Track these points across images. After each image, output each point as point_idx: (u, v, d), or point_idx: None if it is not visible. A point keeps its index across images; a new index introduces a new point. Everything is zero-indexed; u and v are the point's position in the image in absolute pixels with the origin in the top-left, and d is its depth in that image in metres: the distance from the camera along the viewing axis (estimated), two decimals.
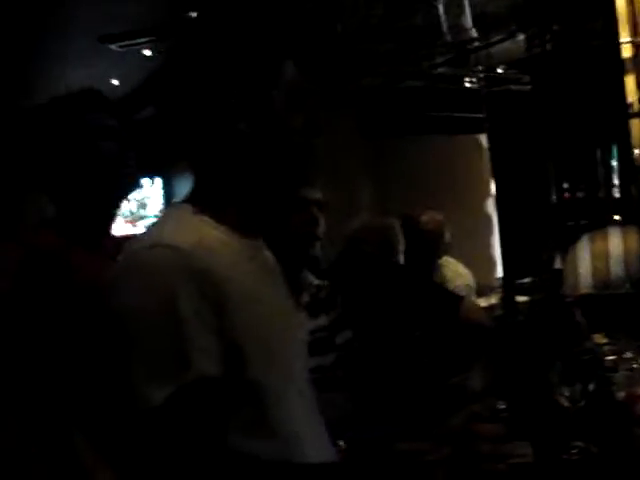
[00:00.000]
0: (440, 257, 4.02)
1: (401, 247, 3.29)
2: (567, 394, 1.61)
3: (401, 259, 3.30)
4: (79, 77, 6.42)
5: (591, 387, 1.65)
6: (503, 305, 2.31)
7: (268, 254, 1.50)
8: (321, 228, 2.33)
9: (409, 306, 2.79)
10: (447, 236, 3.97)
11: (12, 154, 2.08)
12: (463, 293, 3.86)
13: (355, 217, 3.53)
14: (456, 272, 4.13)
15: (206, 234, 1.33)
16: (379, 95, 5.32)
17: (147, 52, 6.26)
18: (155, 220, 1.41)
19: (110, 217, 1.99)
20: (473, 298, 3.93)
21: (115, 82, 6.90)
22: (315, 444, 1.41)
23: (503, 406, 1.78)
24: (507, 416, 1.76)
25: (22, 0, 4.90)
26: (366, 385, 2.35)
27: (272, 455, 1.30)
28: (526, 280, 3.01)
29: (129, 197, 2.08)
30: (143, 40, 5.97)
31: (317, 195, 2.32)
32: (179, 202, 1.41)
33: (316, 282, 2.40)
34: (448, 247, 4.03)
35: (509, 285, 2.29)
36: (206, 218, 1.36)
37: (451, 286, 3.88)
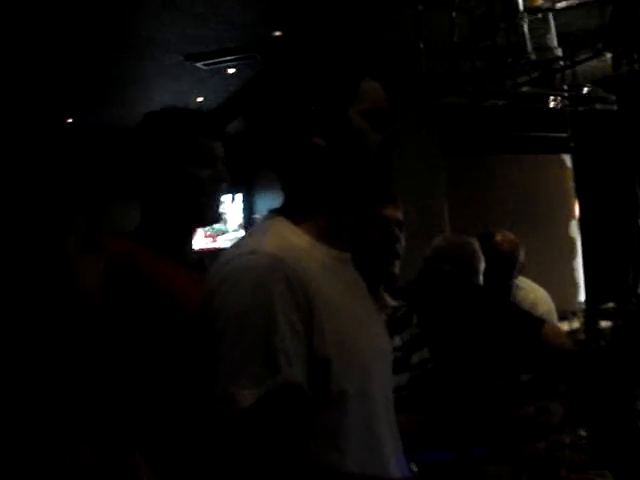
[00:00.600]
0: (515, 277, 3.94)
1: (481, 267, 3.24)
2: None
3: (481, 280, 3.25)
4: (166, 94, 6.59)
5: None
6: (586, 330, 2.25)
7: (354, 268, 1.51)
8: (401, 247, 2.32)
9: (489, 328, 2.75)
10: (522, 256, 3.90)
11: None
12: (544, 316, 3.78)
13: (435, 237, 3.49)
14: (534, 294, 4.04)
15: (301, 246, 1.37)
16: (462, 114, 5.27)
17: (231, 70, 6.38)
18: (251, 230, 1.45)
19: (190, 235, 2.02)
20: (555, 322, 3.85)
21: (200, 99, 7.05)
22: (393, 461, 1.40)
23: (585, 434, 1.73)
24: (589, 444, 1.70)
25: (114, 22, 5.05)
26: (440, 407, 2.32)
27: (349, 468, 1.30)
28: (610, 305, 2.92)
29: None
30: (227, 59, 6.08)
31: (398, 214, 2.32)
32: (274, 214, 1.43)
33: (393, 303, 2.39)
34: (523, 267, 3.95)
35: (593, 309, 2.22)
36: (298, 230, 1.39)
37: (529, 307, 3.81)
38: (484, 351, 2.74)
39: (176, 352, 1.68)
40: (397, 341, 2.30)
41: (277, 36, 5.30)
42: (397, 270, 2.32)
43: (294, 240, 1.38)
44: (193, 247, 2.07)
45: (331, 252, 1.42)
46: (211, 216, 2.01)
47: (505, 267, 3.71)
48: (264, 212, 1.51)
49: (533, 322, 2.82)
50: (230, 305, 1.27)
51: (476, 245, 3.26)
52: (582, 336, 2.73)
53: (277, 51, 4.95)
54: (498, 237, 3.78)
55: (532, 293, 3.99)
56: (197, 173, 1.93)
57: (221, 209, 2.08)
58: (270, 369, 1.22)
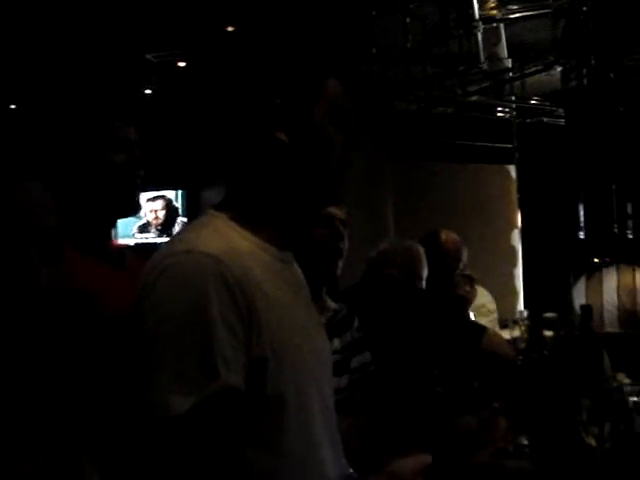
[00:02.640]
0: (457, 274, 3.98)
1: (425, 272, 3.25)
2: (595, 433, 1.56)
3: (424, 285, 3.26)
4: (113, 84, 6.47)
5: (621, 427, 1.60)
6: (529, 339, 2.26)
7: (297, 268, 1.48)
8: (344, 246, 2.30)
9: (431, 334, 2.75)
10: (465, 255, 3.94)
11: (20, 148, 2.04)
12: (487, 316, 3.83)
13: (379, 241, 3.49)
14: (478, 296, 4.08)
15: (240, 244, 1.32)
16: (410, 119, 5.30)
17: (181, 63, 6.30)
18: (189, 226, 1.38)
19: (108, 227, 1.94)
20: (496, 326, 3.89)
21: (148, 91, 6.95)
22: (332, 465, 1.38)
23: (526, 442, 1.74)
24: (531, 453, 1.71)
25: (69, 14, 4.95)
26: (380, 410, 2.31)
27: (286, 472, 1.27)
28: (551, 314, 2.95)
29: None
30: (178, 52, 6.02)
31: (342, 212, 2.30)
32: (213, 210, 1.38)
33: (334, 306, 2.37)
34: (465, 266, 4.00)
35: (536, 319, 2.24)
36: (240, 228, 1.35)
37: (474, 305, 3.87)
38: (425, 357, 2.74)
39: (98, 354, 1.61)
40: (336, 343, 2.28)
41: (230, 31, 5.26)
42: (339, 270, 2.30)
43: (233, 238, 1.33)
44: (112, 241, 1.96)
45: (273, 251, 1.38)
46: (130, 204, 1.90)
47: (449, 265, 3.73)
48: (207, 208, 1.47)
49: (474, 329, 2.84)
50: (164, 307, 1.21)
51: (420, 250, 3.27)
52: (523, 344, 2.74)
53: (235, 44, 4.90)
54: (443, 236, 3.81)
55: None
56: (111, 158, 1.85)
57: (139, 198, 2.00)
58: (207, 374, 1.17)
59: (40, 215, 1.38)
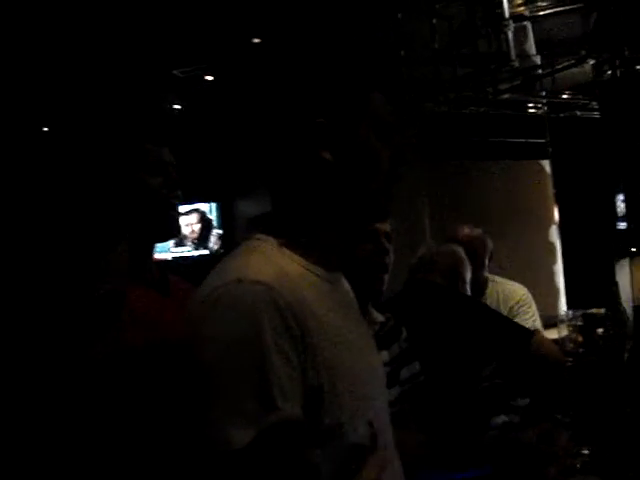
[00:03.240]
0: (484, 268, 3.95)
1: (469, 274, 3.21)
2: None
3: (468, 288, 3.22)
4: (141, 100, 6.50)
5: None
6: (583, 340, 2.22)
7: (347, 286, 1.46)
8: (390, 260, 2.27)
9: (479, 340, 2.71)
10: (490, 246, 3.92)
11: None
12: (516, 307, 3.78)
13: (416, 245, 3.46)
14: (507, 287, 4.02)
15: (289, 268, 1.30)
16: (442, 120, 5.26)
17: (209, 77, 6.32)
18: (238, 251, 1.36)
19: (150, 253, 1.91)
20: (533, 312, 3.83)
21: (177, 106, 6.98)
22: None
23: (588, 453, 1.70)
24: (597, 466, 1.67)
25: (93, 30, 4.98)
26: (437, 423, 2.28)
27: None
28: (597, 311, 2.89)
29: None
30: (205, 66, 6.03)
31: (386, 226, 2.27)
32: (260, 234, 1.36)
33: (380, 317, 2.34)
34: (492, 257, 3.97)
35: (589, 318, 2.19)
36: (288, 251, 1.32)
37: (502, 300, 3.81)
38: (475, 362, 2.71)
39: (148, 387, 1.59)
40: (385, 356, 2.25)
41: (256, 43, 5.26)
42: (385, 285, 2.27)
43: (282, 262, 1.30)
44: (152, 265, 1.94)
45: (322, 272, 1.36)
46: (168, 228, 1.90)
47: (475, 261, 3.69)
48: (245, 223, 1.45)
49: (523, 333, 2.80)
50: (217, 339, 1.19)
51: (462, 252, 3.24)
52: (571, 345, 2.70)
53: (264, 58, 4.90)
54: (465, 232, 3.80)
55: (504, 286, 3.99)
56: (148, 181, 1.83)
57: (179, 220, 1.97)
58: (265, 406, 1.15)
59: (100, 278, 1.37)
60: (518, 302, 3.87)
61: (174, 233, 1.92)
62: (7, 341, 1.50)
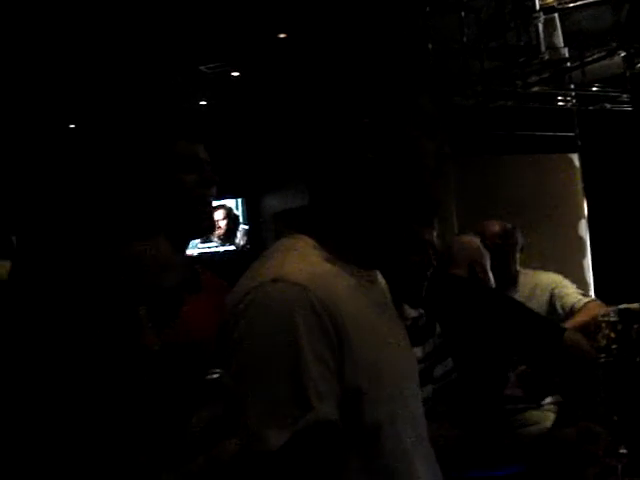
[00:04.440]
0: (514, 260, 3.94)
1: (488, 262, 3.21)
2: None
3: (491, 276, 3.21)
4: (164, 100, 6.53)
5: None
6: (617, 336, 2.18)
7: (383, 286, 1.45)
8: (431, 271, 2.25)
9: (511, 336, 2.69)
10: (519, 239, 3.91)
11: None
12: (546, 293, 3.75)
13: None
14: (536, 277, 4.00)
15: (325, 267, 1.29)
16: (470, 114, 5.22)
17: (235, 73, 6.33)
18: (273, 250, 1.35)
19: (184, 250, 1.91)
20: (567, 290, 3.80)
21: (203, 102, 7.00)
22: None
23: (624, 451, 1.68)
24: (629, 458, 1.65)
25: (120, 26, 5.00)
26: (471, 420, 2.26)
27: None
28: (634, 305, 2.85)
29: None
30: (232, 62, 6.04)
31: (434, 236, 2.24)
32: (295, 232, 1.35)
33: (413, 314, 2.33)
34: (522, 249, 3.95)
35: (624, 314, 2.15)
36: (324, 251, 1.31)
37: (530, 290, 3.79)
38: (507, 359, 2.69)
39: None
40: (419, 352, 2.24)
41: (282, 38, 5.25)
42: (424, 293, 2.25)
43: (319, 262, 1.29)
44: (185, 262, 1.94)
45: (358, 271, 1.35)
46: (203, 225, 1.89)
47: (499, 255, 3.68)
48: (272, 218, 1.44)
49: (554, 329, 2.77)
50: (253, 339, 1.20)
51: (477, 242, 3.25)
52: (604, 342, 2.67)
53: (289, 54, 4.90)
54: (495, 226, 3.80)
55: (539, 276, 3.97)
56: (183, 179, 1.83)
57: (213, 217, 1.96)
58: (301, 407, 1.15)
59: (153, 275, 1.37)
60: (557, 285, 3.85)
61: (208, 230, 1.92)
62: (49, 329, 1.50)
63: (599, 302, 3.66)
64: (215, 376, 1.10)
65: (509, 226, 3.92)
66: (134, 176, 1.80)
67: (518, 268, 3.92)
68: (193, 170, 1.83)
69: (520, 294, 3.76)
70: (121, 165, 1.84)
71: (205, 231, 1.92)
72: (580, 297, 3.72)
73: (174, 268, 1.40)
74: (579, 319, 3.43)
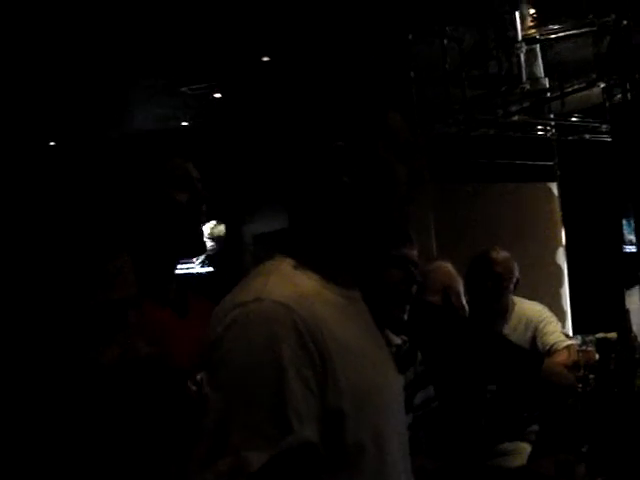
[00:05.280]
0: (511, 292, 3.94)
1: (461, 287, 3.23)
2: None
3: (464, 301, 3.23)
4: (150, 117, 6.53)
5: None
6: (595, 364, 2.19)
7: (364, 306, 1.44)
8: (415, 289, 2.25)
9: (486, 365, 2.69)
10: (517, 272, 3.91)
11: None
12: (540, 327, 3.74)
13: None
14: (529, 308, 3.99)
15: (308, 287, 1.28)
16: (450, 141, 5.25)
17: (217, 95, 6.33)
18: (255, 271, 1.34)
19: (172, 270, 1.88)
20: (556, 330, 3.79)
21: (185, 123, 6.99)
22: None
23: None
24: None
25: (103, 46, 4.99)
26: (449, 451, 2.25)
27: None
28: (607, 335, 2.86)
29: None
30: (213, 83, 6.04)
31: (414, 253, 2.24)
32: (277, 254, 1.35)
33: (397, 341, 2.32)
34: (518, 283, 3.95)
35: (602, 343, 2.15)
36: (307, 272, 1.31)
37: (525, 322, 3.78)
38: (483, 388, 2.68)
39: (162, 407, 1.56)
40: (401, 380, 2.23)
41: (265, 61, 5.26)
42: (405, 315, 2.25)
43: (302, 282, 1.29)
44: (173, 283, 1.88)
45: (341, 291, 1.35)
46: (195, 244, 1.86)
47: (501, 284, 3.70)
48: (252, 241, 1.44)
49: (533, 357, 2.77)
50: (235, 360, 1.18)
51: (450, 267, 3.27)
52: (581, 371, 2.67)
53: (270, 76, 4.91)
54: (493, 254, 3.81)
55: (523, 306, 3.96)
56: (175, 197, 1.80)
57: (204, 237, 1.93)
58: (281, 429, 1.14)
59: (106, 288, 1.36)
60: (543, 320, 3.85)
61: (201, 250, 1.90)
62: (14, 346, 1.49)
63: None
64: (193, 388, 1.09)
65: (506, 255, 3.92)
66: (125, 193, 1.78)
67: (512, 298, 3.92)
68: (185, 188, 1.81)
69: (509, 325, 3.76)
70: (111, 182, 1.83)
71: (197, 250, 1.90)
72: (563, 338, 3.70)
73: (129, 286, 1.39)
74: (558, 359, 3.38)
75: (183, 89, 6.15)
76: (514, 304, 3.92)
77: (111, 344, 1.37)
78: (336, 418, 1.19)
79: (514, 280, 3.88)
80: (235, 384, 1.17)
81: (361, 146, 1.31)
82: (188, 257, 1.92)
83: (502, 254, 3.87)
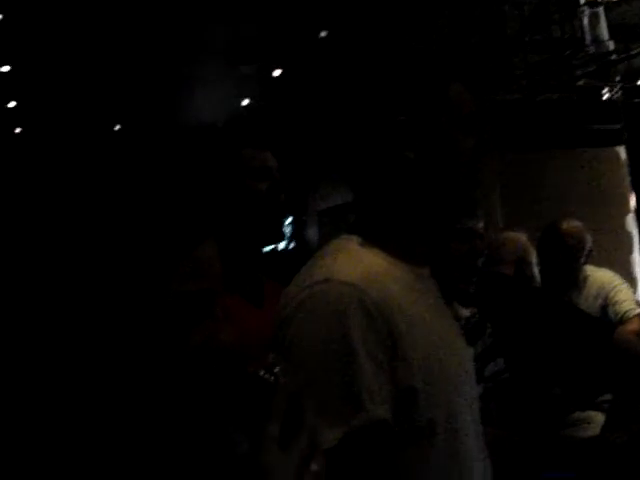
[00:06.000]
0: (584, 264, 3.86)
1: (534, 258, 3.18)
2: None
3: (536, 272, 3.18)
4: (211, 98, 6.57)
5: None
6: None
7: (432, 281, 1.44)
8: (481, 262, 2.22)
9: (560, 336, 2.65)
10: (589, 242, 3.82)
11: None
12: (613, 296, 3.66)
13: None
14: (601, 278, 3.92)
15: (376, 266, 1.28)
16: (514, 108, 5.17)
17: (276, 73, 6.34)
18: (323, 251, 1.35)
19: (254, 256, 1.88)
20: (631, 297, 3.71)
21: (245, 102, 7.02)
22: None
23: None
24: None
25: (159, 29, 5.04)
26: (520, 422, 2.24)
27: None
28: None
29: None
30: (272, 61, 6.05)
31: (481, 226, 2.22)
32: (345, 234, 1.35)
33: (465, 313, 2.31)
34: (590, 253, 3.87)
35: None
36: (375, 249, 1.31)
37: (596, 291, 3.73)
38: (554, 360, 2.65)
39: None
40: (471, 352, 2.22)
41: (323, 37, 5.25)
42: (472, 288, 2.23)
43: (370, 261, 1.29)
44: (252, 273, 1.88)
45: (409, 268, 1.34)
46: (276, 232, 1.88)
47: (573, 255, 3.63)
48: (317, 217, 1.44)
49: (604, 326, 2.73)
50: (306, 340, 1.20)
51: (522, 237, 3.21)
52: None
53: (330, 53, 4.90)
54: (564, 225, 3.72)
55: (599, 277, 3.88)
56: (254, 187, 1.81)
57: (283, 225, 1.95)
58: (353, 407, 1.15)
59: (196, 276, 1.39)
60: (614, 288, 3.77)
61: (280, 237, 1.92)
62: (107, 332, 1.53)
63: (629, 330, 3.52)
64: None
65: (578, 225, 3.84)
66: (205, 184, 1.80)
67: (585, 269, 3.85)
68: (264, 178, 1.82)
69: (580, 294, 3.70)
70: (192, 174, 1.86)
71: (277, 238, 1.91)
72: (634, 306, 3.62)
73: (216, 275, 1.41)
74: (629, 327, 3.32)
75: (243, 68, 6.18)
76: (585, 273, 3.85)
77: (198, 330, 1.39)
78: (408, 395, 1.20)
79: (586, 251, 3.79)
80: (306, 364, 1.18)
81: (424, 120, 1.30)
82: (269, 244, 1.93)
83: (573, 225, 3.77)
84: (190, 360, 1.40)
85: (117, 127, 7.11)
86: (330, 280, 1.22)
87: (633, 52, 4.27)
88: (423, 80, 1.33)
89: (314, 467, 1.09)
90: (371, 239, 1.32)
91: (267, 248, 1.97)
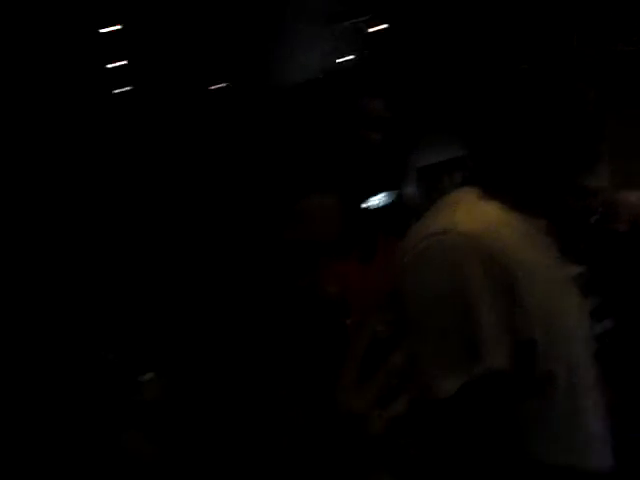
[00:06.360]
0: None
1: None
2: None
3: None
4: (312, 54, 6.57)
5: None
6: None
7: (548, 234, 1.41)
8: (595, 218, 2.15)
9: None
10: None
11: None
12: None
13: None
14: None
15: (495, 217, 1.26)
16: (632, 62, 4.96)
17: (379, 27, 6.28)
18: (442, 203, 1.34)
19: (362, 216, 1.88)
20: None
21: (342, 60, 6.99)
22: (601, 441, 1.30)
23: None
24: None
25: None
26: (627, 379, 2.18)
27: (557, 458, 1.21)
28: None
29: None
30: (366, 17, 6.01)
31: (598, 184, 2.14)
32: (464, 187, 1.34)
33: (577, 270, 2.24)
34: None
35: None
36: (494, 202, 1.29)
37: None
38: None
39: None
40: None
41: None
42: (585, 245, 2.16)
43: (488, 211, 1.28)
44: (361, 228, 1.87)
45: (527, 219, 1.31)
46: (400, 180, 1.89)
47: None
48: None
49: None
50: (425, 290, 1.20)
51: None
52: None
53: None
54: None
55: None
56: (369, 137, 1.80)
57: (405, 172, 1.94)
58: (471, 356, 1.15)
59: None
60: None
61: (396, 185, 1.92)
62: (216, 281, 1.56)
63: None
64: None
65: None
66: (319, 134, 1.81)
67: None
68: (379, 128, 1.82)
69: None
70: (306, 124, 1.86)
71: (392, 187, 1.91)
72: None
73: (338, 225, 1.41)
74: None
75: (345, 23, 6.15)
76: None
77: (304, 277, 1.41)
78: (527, 345, 1.18)
79: None
80: (424, 314, 1.19)
81: (546, 69, 1.27)
82: (373, 192, 1.92)
83: None
84: (294, 303, 1.42)
85: (224, 84, 7.20)
86: (448, 231, 1.21)
87: None
88: (546, 30, 1.30)
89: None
90: (490, 191, 1.30)
91: (371, 202, 1.96)
